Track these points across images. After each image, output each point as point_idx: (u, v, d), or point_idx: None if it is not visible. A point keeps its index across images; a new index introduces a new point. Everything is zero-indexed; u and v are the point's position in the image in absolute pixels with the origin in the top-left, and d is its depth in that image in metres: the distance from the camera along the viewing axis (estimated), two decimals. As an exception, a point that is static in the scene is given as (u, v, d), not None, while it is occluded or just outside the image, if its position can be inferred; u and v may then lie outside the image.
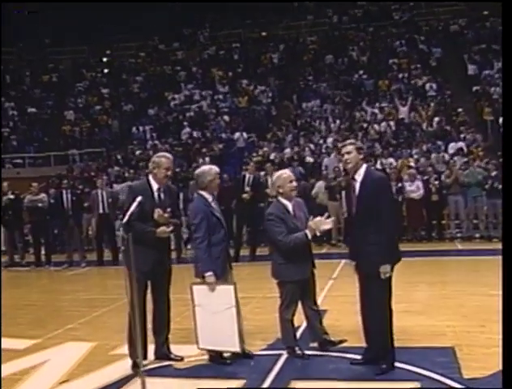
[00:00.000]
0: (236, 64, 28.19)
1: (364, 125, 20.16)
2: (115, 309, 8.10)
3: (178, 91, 26.64)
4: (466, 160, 14.88)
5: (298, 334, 6.00)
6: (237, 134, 21.51)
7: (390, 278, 4.99)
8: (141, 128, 24.33)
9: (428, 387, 4.69)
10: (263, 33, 30.82)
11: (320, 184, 14.45)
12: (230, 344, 5.36)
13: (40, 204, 13.74)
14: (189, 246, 14.52)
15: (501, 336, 5.22)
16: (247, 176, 12.62)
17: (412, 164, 14.63)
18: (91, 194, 14.05)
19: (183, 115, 24.47)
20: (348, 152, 5.07)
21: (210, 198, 5.60)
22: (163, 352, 5.75)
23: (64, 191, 13.62)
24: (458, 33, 26.30)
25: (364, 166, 5.16)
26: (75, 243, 13.77)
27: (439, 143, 17.35)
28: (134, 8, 30.53)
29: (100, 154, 23.23)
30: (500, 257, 10.83)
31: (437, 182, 13.33)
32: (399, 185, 13.48)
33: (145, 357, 5.66)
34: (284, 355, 5.63)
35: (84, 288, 10.83)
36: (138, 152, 21.75)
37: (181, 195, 13.45)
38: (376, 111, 21.10)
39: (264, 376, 5.12)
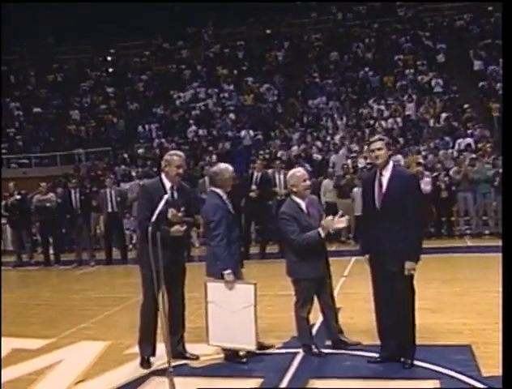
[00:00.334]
0: (241, 62, 28.17)
1: (371, 121, 20.11)
2: (126, 307, 8.09)
3: (184, 90, 26.64)
4: (474, 156, 14.84)
5: (313, 331, 5.98)
6: (244, 132, 21.51)
7: (412, 275, 5.01)
8: (147, 127, 24.36)
9: (448, 386, 4.66)
10: (267, 31, 30.78)
11: (326, 182, 14.39)
12: (246, 342, 5.33)
13: (48, 204, 13.75)
14: (197, 245, 14.56)
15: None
16: (255, 174, 12.57)
17: (421, 160, 14.57)
18: (99, 193, 14.06)
19: (189, 113, 24.46)
20: (379, 148, 5.06)
21: (224, 196, 5.59)
22: (178, 351, 5.71)
23: (72, 190, 13.60)
24: (463, 29, 26.24)
25: (391, 162, 5.15)
26: (84, 242, 13.76)
27: (447, 139, 17.29)
28: (134, 7, 30.53)
29: (106, 153, 23.25)
30: None
31: (446, 179, 13.27)
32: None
33: (153, 354, 5.70)
34: (301, 353, 5.61)
35: (94, 286, 10.84)
36: (140, 151, 21.73)
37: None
38: (382, 107, 21.06)
39: (281, 375, 5.10)
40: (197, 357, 5.67)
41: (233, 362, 5.51)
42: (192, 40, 31.37)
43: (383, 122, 19.78)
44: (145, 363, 5.63)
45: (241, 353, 5.57)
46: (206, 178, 13.04)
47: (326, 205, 13.27)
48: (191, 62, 29.30)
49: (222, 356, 5.64)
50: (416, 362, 5.10)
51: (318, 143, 19.12)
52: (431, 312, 6.70)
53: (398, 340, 5.16)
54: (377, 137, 5.29)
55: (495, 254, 11.16)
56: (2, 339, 6.60)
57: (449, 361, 5.13)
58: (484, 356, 5.22)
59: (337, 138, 19.23)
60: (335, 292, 7.97)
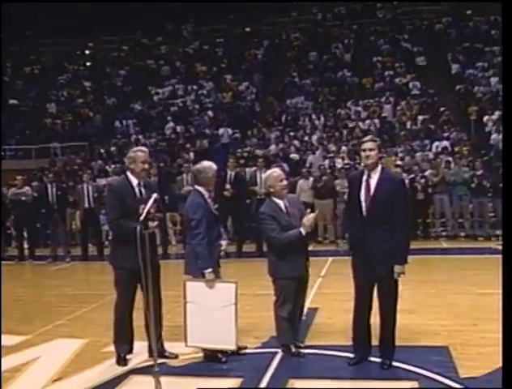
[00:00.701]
0: (220, 59, 28.08)
1: (349, 122, 20.20)
2: (103, 305, 8.00)
3: (162, 86, 26.47)
4: (450, 159, 15.00)
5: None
6: (222, 130, 21.44)
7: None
8: (124, 122, 24.13)
9: (426, 387, 4.71)
10: (247, 29, 30.73)
11: (302, 182, 14.34)
12: (226, 342, 5.33)
13: (23, 198, 13.60)
14: (174, 242, 14.50)
15: (494, 335, 5.32)
16: (228, 172, 12.54)
17: (399, 162, 14.68)
18: (76, 189, 13.92)
19: (167, 110, 24.32)
20: (371, 149, 5.05)
21: (206, 194, 5.57)
22: (157, 350, 5.69)
23: (49, 185, 13.46)
24: (441, 32, 26.44)
25: (380, 165, 5.17)
26: (60, 237, 13.61)
27: (426, 141, 17.45)
28: (113, 1, 30.24)
29: (82, 148, 22.97)
30: (485, 256, 11.04)
31: (422, 181, 13.39)
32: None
33: (130, 352, 5.69)
34: (279, 353, 5.61)
35: (70, 283, 10.71)
36: (113, 149, 21.55)
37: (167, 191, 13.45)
38: (359, 109, 21.18)
39: (261, 374, 5.11)
40: (176, 356, 5.65)
41: (212, 362, 5.49)
42: (171, 36, 31.17)
43: (361, 123, 19.87)
44: (121, 361, 5.61)
45: (220, 353, 5.54)
46: (185, 175, 12.99)
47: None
48: (170, 58, 29.11)
49: (201, 355, 5.62)
50: (394, 363, 5.15)
51: (296, 143, 19.15)
52: (407, 313, 6.73)
53: (379, 341, 5.21)
54: (369, 137, 5.29)
55: (471, 256, 11.40)
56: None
57: (426, 362, 5.19)
58: (462, 358, 5.28)
59: (314, 138, 19.28)
60: (313, 292, 8.09)
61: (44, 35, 31.58)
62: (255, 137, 20.55)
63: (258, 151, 18.65)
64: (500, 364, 4.56)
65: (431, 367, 5.04)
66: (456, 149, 16.43)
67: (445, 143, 17.07)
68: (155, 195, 4.87)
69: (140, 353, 5.74)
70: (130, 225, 5.27)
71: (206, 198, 5.56)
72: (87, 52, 31.88)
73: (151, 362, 5.56)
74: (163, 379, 4.96)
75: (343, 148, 17.71)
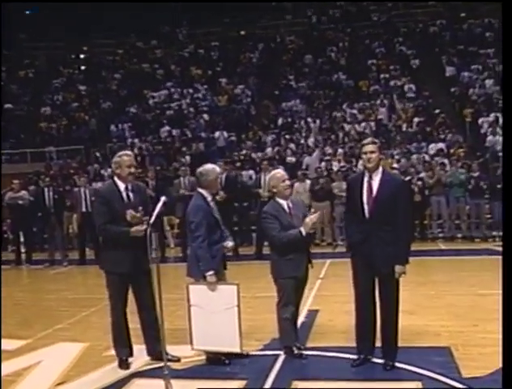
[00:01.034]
0: (216, 63, 28.08)
1: (345, 125, 20.24)
2: (102, 308, 7.93)
3: (157, 90, 26.44)
4: (446, 160, 15.06)
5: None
6: (218, 133, 21.42)
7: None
8: (120, 126, 24.09)
9: (430, 387, 4.72)
10: (242, 32, 30.77)
11: (297, 185, 14.28)
12: (230, 345, 5.32)
13: (20, 201, 13.58)
14: (172, 245, 14.50)
15: (495, 336, 5.34)
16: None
17: (395, 165, 14.72)
18: (72, 192, 13.90)
19: (162, 113, 24.30)
20: (372, 151, 5.08)
21: (209, 197, 5.59)
22: (156, 352, 5.70)
23: (46, 189, 13.44)
24: (436, 35, 26.53)
25: (381, 167, 5.20)
26: (57, 241, 13.58)
27: (423, 144, 17.49)
28: (108, 4, 30.20)
29: (77, 151, 22.93)
30: (483, 257, 11.09)
31: (419, 183, 13.42)
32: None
33: (131, 355, 5.71)
34: (282, 355, 5.62)
35: (68, 287, 10.71)
36: (102, 152, 21.56)
37: (164, 194, 13.42)
38: (355, 112, 21.21)
39: (265, 376, 5.12)
40: (178, 359, 5.64)
41: (215, 364, 5.50)
42: (166, 40, 31.15)
43: (356, 126, 19.91)
44: (123, 364, 5.62)
45: (223, 356, 5.54)
46: (182, 179, 12.98)
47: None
48: (165, 62, 29.07)
49: (203, 358, 5.63)
50: (396, 364, 5.17)
51: (292, 146, 19.17)
52: (408, 314, 6.73)
53: (381, 342, 5.22)
54: (369, 139, 5.31)
55: (468, 257, 11.44)
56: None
57: (429, 362, 5.21)
58: (464, 358, 5.31)
59: (311, 140, 19.30)
60: (313, 294, 8.11)
61: (39, 38, 31.52)
62: (251, 140, 20.55)
63: (254, 155, 18.70)
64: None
65: (434, 368, 5.07)
66: (452, 151, 16.48)
67: (441, 145, 17.10)
68: (163, 198, 4.89)
69: (138, 357, 5.75)
70: (117, 230, 5.32)
71: (209, 200, 5.57)
72: (81, 56, 31.81)
73: (153, 365, 5.62)
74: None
75: (340, 151, 17.75)
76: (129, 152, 5.87)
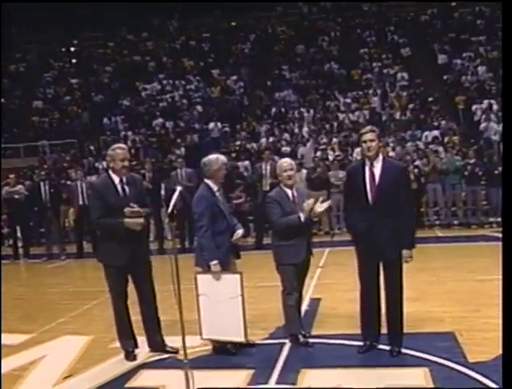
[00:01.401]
0: (207, 54, 27.99)
1: (339, 114, 20.26)
2: (104, 301, 7.93)
3: (149, 82, 26.35)
4: (441, 148, 15.11)
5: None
6: (212, 125, 21.39)
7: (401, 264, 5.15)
8: (112, 119, 24.03)
9: (437, 373, 4.74)
10: (233, 23, 30.64)
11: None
12: (234, 334, 5.32)
13: (16, 196, 13.54)
14: (169, 237, 14.46)
15: (497, 321, 5.38)
16: None
17: (391, 153, 14.75)
18: (69, 186, 13.88)
19: (155, 105, 24.23)
20: (371, 140, 5.10)
21: (215, 187, 5.57)
22: (157, 344, 5.73)
23: (41, 183, 13.40)
24: (427, 23, 26.52)
25: (381, 154, 5.23)
26: (54, 235, 13.56)
27: (417, 132, 17.54)
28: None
29: (71, 145, 22.84)
30: (480, 243, 11.14)
31: (416, 171, 13.46)
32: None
33: (136, 346, 5.72)
34: (288, 344, 5.65)
35: (68, 280, 10.70)
36: (95, 146, 21.48)
37: (163, 186, 13.45)
38: (348, 101, 21.23)
39: (272, 366, 5.13)
40: (177, 351, 5.57)
41: (222, 354, 5.52)
42: (157, 32, 30.99)
43: (350, 115, 19.93)
44: (130, 356, 5.63)
45: (229, 345, 5.56)
46: (179, 170, 12.95)
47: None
48: (156, 54, 28.96)
49: (209, 348, 5.64)
50: (402, 350, 5.20)
51: (287, 136, 19.18)
52: (411, 301, 6.76)
53: (387, 328, 5.26)
54: (368, 128, 5.32)
55: (465, 243, 11.52)
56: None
57: (434, 348, 5.24)
58: (468, 343, 5.34)
59: (305, 130, 19.32)
60: (313, 283, 8.13)
61: (29, 32, 31.31)
62: (245, 131, 20.55)
63: (249, 145, 18.70)
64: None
65: (440, 353, 5.10)
66: (446, 138, 16.52)
67: (436, 132, 17.15)
68: (179, 188, 4.86)
69: (145, 348, 5.77)
70: (112, 222, 5.33)
71: (215, 191, 5.56)
72: (72, 49, 31.57)
73: (159, 357, 5.63)
74: (172, 372, 5.00)
75: (334, 140, 17.78)
76: (122, 145, 5.86)
